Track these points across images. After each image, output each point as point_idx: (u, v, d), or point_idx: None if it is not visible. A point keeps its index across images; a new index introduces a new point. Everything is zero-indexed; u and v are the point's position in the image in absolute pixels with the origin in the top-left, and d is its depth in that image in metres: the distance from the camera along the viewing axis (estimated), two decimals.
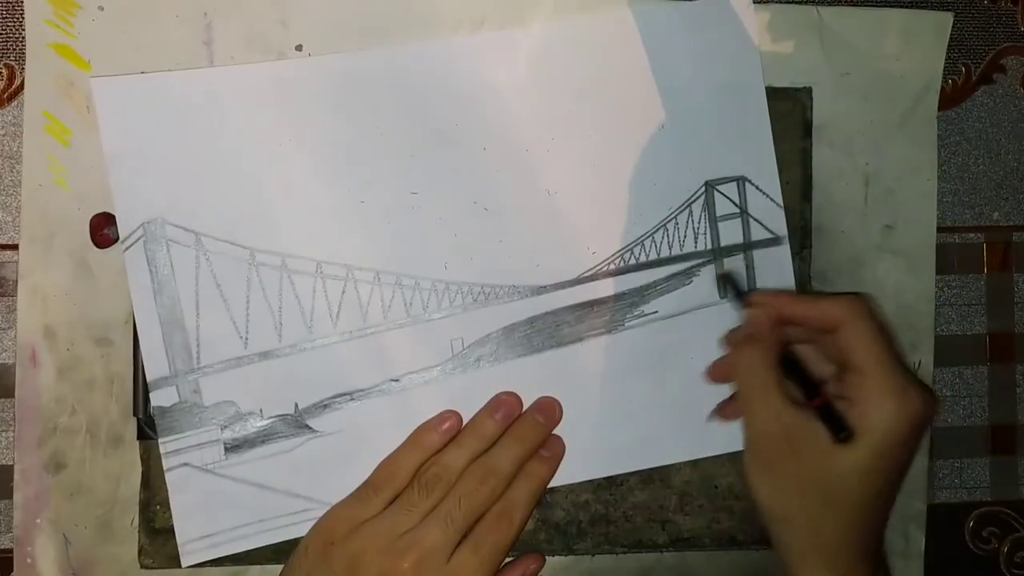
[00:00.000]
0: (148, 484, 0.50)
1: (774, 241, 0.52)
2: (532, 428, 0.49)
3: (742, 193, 0.52)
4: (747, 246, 0.52)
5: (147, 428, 0.49)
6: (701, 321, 0.52)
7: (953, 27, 0.55)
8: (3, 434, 0.51)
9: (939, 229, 0.55)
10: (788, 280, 0.52)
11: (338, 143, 0.50)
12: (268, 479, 0.49)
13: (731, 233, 0.52)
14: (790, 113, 0.53)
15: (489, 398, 0.50)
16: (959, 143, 0.57)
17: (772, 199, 0.52)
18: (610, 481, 0.52)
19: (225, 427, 0.49)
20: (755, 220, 0.52)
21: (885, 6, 0.55)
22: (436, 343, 0.50)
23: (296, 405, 0.50)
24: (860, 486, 0.43)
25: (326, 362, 0.50)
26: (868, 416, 0.42)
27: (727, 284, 0.51)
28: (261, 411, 0.49)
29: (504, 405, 0.49)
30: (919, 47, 0.55)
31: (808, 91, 0.54)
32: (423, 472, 0.47)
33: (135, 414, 0.49)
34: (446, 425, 0.49)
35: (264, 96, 0.49)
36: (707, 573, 0.54)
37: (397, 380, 0.50)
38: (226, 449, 0.49)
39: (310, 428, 0.50)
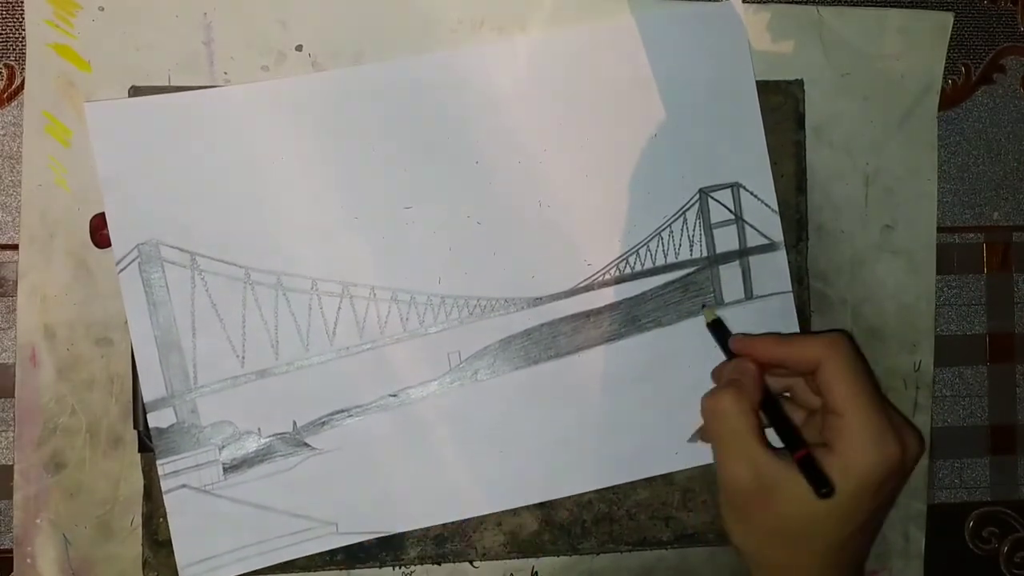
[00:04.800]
0: (151, 497, 0.50)
1: (770, 247, 0.52)
2: None
3: (737, 199, 0.52)
4: (743, 252, 0.52)
5: (148, 441, 0.49)
6: (698, 329, 0.51)
7: (953, 27, 0.55)
8: (3, 434, 0.51)
9: (939, 229, 0.55)
10: (785, 285, 0.52)
11: (330, 160, 0.50)
12: (268, 499, 0.49)
13: (726, 240, 0.52)
14: (782, 106, 0.53)
15: (487, 412, 0.50)
16: (959, 143, 0.57)
17: (767, 205, 0.52)
18: None
19: (223, 447, 0.49)
20: (750, 226, 0.52)
21: (885, 6, 0.55)
22: (433, 357, 0.50)
23: (294, 423, 0.49)
24: (834, 530, 0.42)
25: (323, 379, 0.50)
26: (843, 459, 0.42)
27: (716, 330, 0.50)
28: (259, 430, 0.49)
29: None
30: (919, 47, 0.55)
31: (800, 84, 0.54)
32: None
33: (136, 427, 0.49)
34: None
35: (255, 115, 0.49)
36: (707, 571, 0.54)
37: (395, 395, 0.50)
38: (224, 469, 0.49)
39: (309, 446, 0.49)
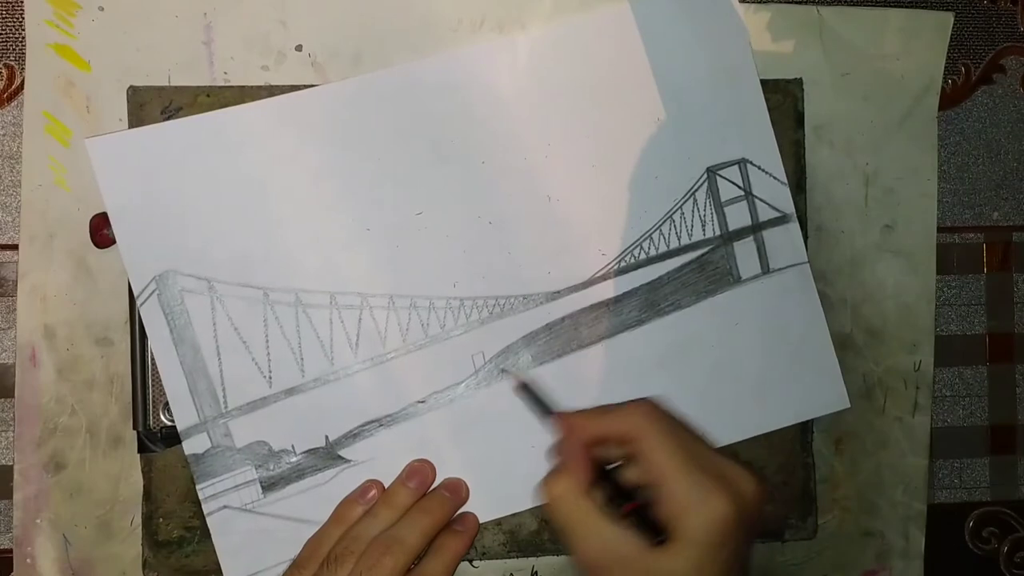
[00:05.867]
0: (150, 497, 0.50)
1: (782, 219, 0.52)
2: (439, 502, 0.49)
3: (744, 175, 0.52)
4: (756, 227, 0.52)
5: (147, 441, 0.49)
6: (718, 308, 0.52)
7: (953, 27, 0.55)
8: (3, 434, 0.51)
9: (939, 229, 0.55)
10: (800, 256, 0.52)
11: (337, 172, 0.50)
12: (307, 513, 0.49)
13: (738, 216, 0.52)
14: (781, 105, 0.53)
15: (516, 409, 0.50)
16: (959, 143, 0.57)
17: (775, 177, 0.52)
18: None
19: (260, 466, 0.49)
20: (761, 200, 0.52)
21: (885, 6, 0.55)
22: (458, 360, 0.50)
23: (327, 437, 0.50)
24: None
25: (351, 392, 0.50)
26: (676, 525, 0.41)
27: (527, 395, 0.49)
28: (293, 447, 0.49)
29: (418, 473, 0.49)
30: (919, 47, 0.55)
31: (799, 83, 0.54)
32: (335, 545, 0.47)
33: (135, 427, 0.49)
34: (368, 495, 0.49)
35: (259, 134, 0.49)
36: None
37: (423, 401, 0.50)
38: (263, 488, 0.49)
39: (343, 458, 0.50)
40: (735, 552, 0.42)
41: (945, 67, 0.55)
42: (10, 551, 0.50)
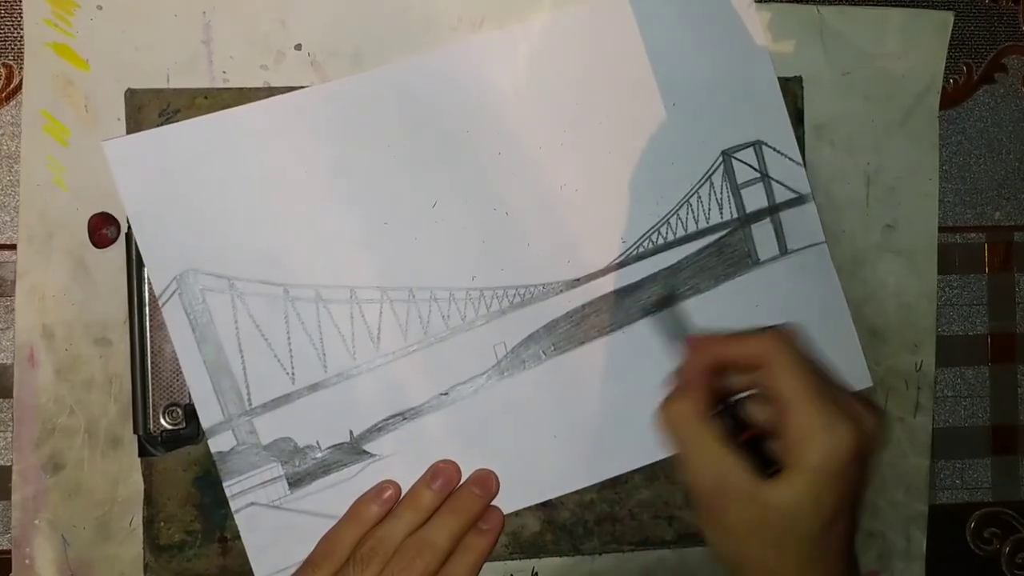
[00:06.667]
0: (151, 501, 0.50)
1: (799, 200, 0.52)
2: (469, 501, 0.49)
3: (760, 157, 0.52)
4: (772, 209, 0.52)
5: (148, 445, 0.49)
6: (737, 291, 0.52)
7: (954, 26, 0.55)
8: (1, 435, 0.51)
9: (940, 229, 0.55)
10: (818, 236, 0.53)
11: (353, 168, 0.50)
12: (334, 508, 0.49)
13: (755, 198, 0.52)
14: None
15: (539, 398, 0.50)
16: (960, 143, 0.56)
17: (791, 158, 0.52)
18: (615, 480, 0.52)
19: (285, 463, 0.49)
20: (777, 182, 0.52)
21: (886, 5, 0.55)
22: (479, 351, 0.50)
23: (351, 432, 0.50)
24: (803, 522, 0.42)
25: (374, 386, 0.50)
26: (797, 452, 0.41)
27: (667, 313, 0.50)
28: (318, 443, 0.49)
29: (442, 474, 0.49)
30: (920, 46, 0.55)
31: (799, 80, 0.54)
32: (359, 546, 0.47)
33: (135, 431, 0.49)
34: (385, 495, 0.49)
35: (273, 132, 0.49)
36: (707, 572, 0.54)
37: (446, 393, 0.50)
38: (289, 484, 0.49)
39: (368, 453, 0.50)
40: (851, 487, 0.42)
41: (946, 66, 0.55)
42: (9, 552, 0.50)
